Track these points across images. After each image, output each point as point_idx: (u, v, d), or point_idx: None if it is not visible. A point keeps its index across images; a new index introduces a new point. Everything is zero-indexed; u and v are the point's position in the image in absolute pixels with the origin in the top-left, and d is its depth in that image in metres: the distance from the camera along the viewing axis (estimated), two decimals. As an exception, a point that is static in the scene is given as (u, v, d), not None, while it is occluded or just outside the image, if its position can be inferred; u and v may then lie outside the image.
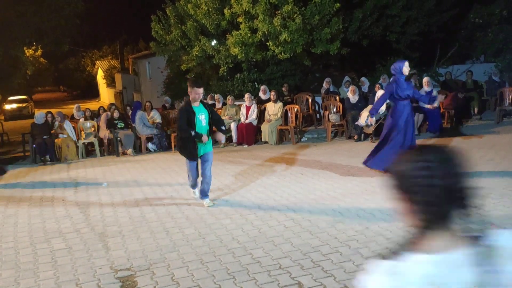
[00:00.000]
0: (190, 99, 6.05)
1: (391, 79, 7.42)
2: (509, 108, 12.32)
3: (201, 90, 6.07)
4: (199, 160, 6.19)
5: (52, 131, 11.61)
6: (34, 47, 27.05)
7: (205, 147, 6.08)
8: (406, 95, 7.09)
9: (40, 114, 11.98)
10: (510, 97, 12.28)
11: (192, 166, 6.19)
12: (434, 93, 11.57)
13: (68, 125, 11.86)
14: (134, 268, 4.28)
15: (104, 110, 13.45)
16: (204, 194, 6.30)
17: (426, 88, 11.65)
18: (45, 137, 11.35)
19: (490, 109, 13.86)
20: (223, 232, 5.08)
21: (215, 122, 6.28)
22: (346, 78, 14.30)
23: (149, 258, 4.47)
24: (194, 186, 6.49)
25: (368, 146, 10.25)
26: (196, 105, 6.05)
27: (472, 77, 14.24)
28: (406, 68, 7.11)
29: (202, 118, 6.03)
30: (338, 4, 12.76)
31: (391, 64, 15.07)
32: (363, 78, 13.93)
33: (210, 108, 6.28)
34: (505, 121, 12.29)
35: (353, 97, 11.51)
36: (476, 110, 13.36)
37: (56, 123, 11.80)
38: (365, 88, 13.30)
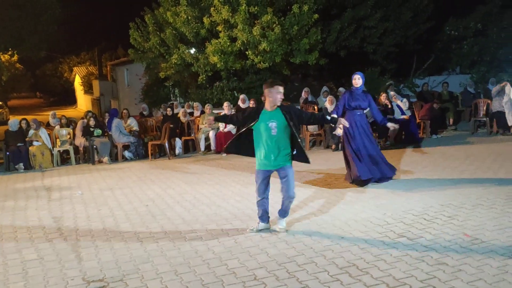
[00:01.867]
0: (266, 102, 5.09)
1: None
2: (483, 119, 12.57)
3: (281, 89, 5.02)
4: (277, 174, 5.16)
5: (27, 139, 11.39)
6: (10, 52, 26.63)
7: (276, 160, 5.05)
8: (355, 105, 7.37)
9: (14, 121, 11.75)
10: (485, 108, 12.53)
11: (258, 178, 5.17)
12: (404, 100, 11.76)
13: (43, 133, 11.65)
14: (107, 279, 4.20)
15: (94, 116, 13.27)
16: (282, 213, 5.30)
17: (394, 102, 11.87)
18: (19, 144, 11.12)
19: (465, 120, 14.14)
20: (198, 243, 5.03)
21: (306, 120, 5.38)
22: (324, 88, 14.43)
23: (122, 269, 4.40)
24: (261, 216, 5.27)
25: (345, 156, 10.32)
26: (270, 110, 5.04)
27: (448, 88, 14.52)
28: (354, 81, 7.47)
29: (273, 126, 4.98)
30: (316, 15, 12.90)
31: (369, 75, 15.36)
32: (341, 88, 14.06)
33: (292, 110, 5.13)
34: (480, 132, 12.54)
35: (330, 107, 11.58)
36: (451, 120, 13.61)
37: (32, 131, 11.59)
38: (342, 98, 13.41)
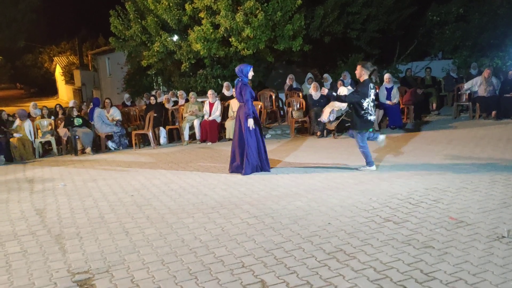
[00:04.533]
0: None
1: (239, 83, 7.57)
2: (466, 103, 12.67)
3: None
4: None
5: (12, 131, 11.13)
6: (-13, 43, 26.00)
7: None
8: (253, 96, 7.64)
9: (-8, 113, 11.50)
10: (467, 93, 12.63)
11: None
12: (394, 90, 11.78)
13: (28, 124, 11.38)
14: (92, 271, 4.14)
15: (61, 108, 13.10)
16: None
17: (387, 84, 11.83)
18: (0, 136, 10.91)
19: (448, 104, 14.26)
20: (185, 232, 4.99)
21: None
22: (309, 75, 14.40)
23: (107, 260, 4.34)
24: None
25: (330, 142, 10.36)
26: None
27: (431, 74, 14.60)
28: (251, 73, 7.60)
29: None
30: (299, 1, 12.81)
31: (352, 61, 15.39)
32: (325, 75, 14.05)
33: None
34: (462, 116, 12.66)
35: (315, 94, 11.58)
36: (434, 105, 13.71)
37: (17, 121, 11.35)
38: (327, 85, 13.42)
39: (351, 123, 7.19)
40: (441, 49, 17.35)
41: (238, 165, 7.68)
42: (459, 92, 12.83)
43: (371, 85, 7.01)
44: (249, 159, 7.51)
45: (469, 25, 16.11)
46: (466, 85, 12.38)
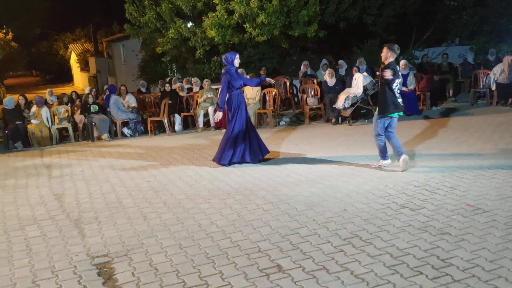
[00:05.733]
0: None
1: (223, 70, 7.48)
2: (483, 90, 12.49)
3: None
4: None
5: (30, 118, 11.26)
6: (4, 30, 26.29)
7: None
8: (239, 85, 7.40)
9: (9, 99, 11.62)
10: (484, 79, 12.44)
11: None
12: (411, 76, 11.65)
13: (45, 111, 11.50)
14: (111, 254, 4.21)
15: (77, 95, 13.22)
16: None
17: (403, 71, 11.69)
18: (18, 122, 11.06)
19: (465, 91, 14.07)
20: (201, 217, 5.04)
21: None
22: (324, 61, 14.29)
23: (126, 244, 4.41)
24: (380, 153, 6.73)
25: (345, 129, 10.31)
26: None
27: (447, 60, 14.39)
28: (237, 60, 7.40)
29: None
30: (315, -14, 12.68)
31: (368, 47, 15.23)
32: (341, 61, 13.92)
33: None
34: (480, 103, 12.49)
35: (330, 80, 11.51)
36: (451, 92, 13.54)
37: (34, 108, 11.48)
38: (342, 71, 13.32)
39: (381, 107, 6.42)
40: (458, 35, 17.06)
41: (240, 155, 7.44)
42: (490, 75, 12.34)
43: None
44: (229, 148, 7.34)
45: (487, 10, 15.79)
46: (491, 75, 12.05)
